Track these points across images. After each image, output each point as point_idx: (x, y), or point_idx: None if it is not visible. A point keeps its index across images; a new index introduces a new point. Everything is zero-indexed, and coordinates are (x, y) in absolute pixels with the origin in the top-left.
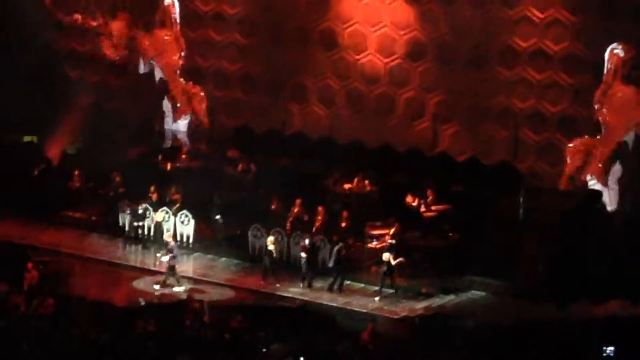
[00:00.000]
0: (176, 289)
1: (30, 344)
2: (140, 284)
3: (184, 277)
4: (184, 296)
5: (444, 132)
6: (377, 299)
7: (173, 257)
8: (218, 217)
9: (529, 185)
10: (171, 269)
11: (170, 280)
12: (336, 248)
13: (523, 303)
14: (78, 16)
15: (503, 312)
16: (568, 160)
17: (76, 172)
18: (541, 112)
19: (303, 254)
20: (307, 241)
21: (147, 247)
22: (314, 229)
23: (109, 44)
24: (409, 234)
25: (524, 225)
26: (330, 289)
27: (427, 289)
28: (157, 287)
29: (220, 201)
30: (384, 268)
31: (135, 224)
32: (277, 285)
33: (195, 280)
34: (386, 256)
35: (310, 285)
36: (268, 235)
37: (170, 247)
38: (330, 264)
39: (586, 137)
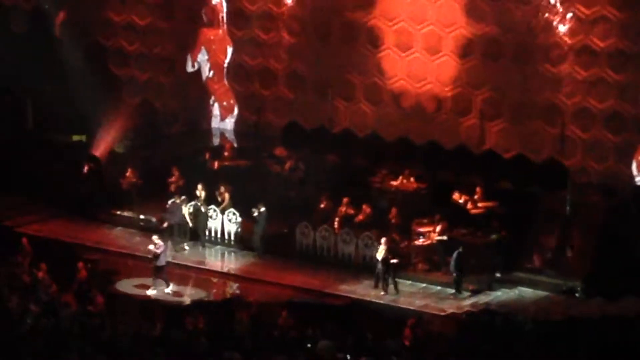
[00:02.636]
0: (167, 290)
1: (81, 342)
2: (121, 285)
3: (231, 274)
4: (170, 298)
5: (491, 129)
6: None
7: (158, 258)
8: (255, 213)
9: (576, 181)
10: (157, 269)
11: (157, 282)
12: (456, 252)
13: (571, 299)
14: None
15: (551, 308)
16: None
17: (129, 171)
18: (588, 109)
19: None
20: (383, 243)
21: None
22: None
23: None
24: (456, 231)
25: (572, 222)
26: (457, 292)
27: (474, 286)
28: (150, 292)
29: (263, 209)
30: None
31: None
32: (382, 293)
33: (242, 279)
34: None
35: (396, 289)
36: (318, 231)
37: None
38: (451, 269)
39: None
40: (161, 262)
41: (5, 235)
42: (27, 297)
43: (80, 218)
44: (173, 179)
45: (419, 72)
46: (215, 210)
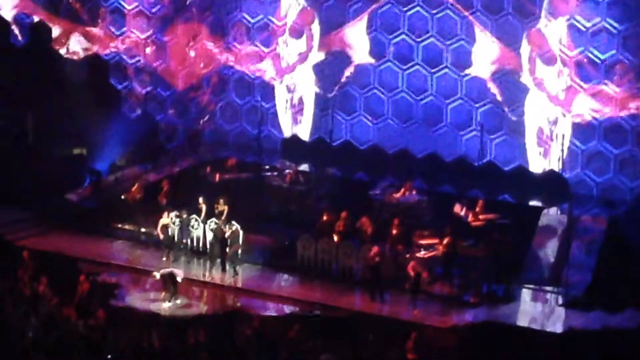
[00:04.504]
0: (165, 305)
1: (81, 355)
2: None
3: (231, 287)
4: (175, 312)
5: (492, 141)
6: None
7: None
8: (228, 233)
9: (576, 193)
10: (173, 283)
11: (170, 296)
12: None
13: (573, 311)
14: None
15: (552, 321)
16: None
17: (135, 185)
18: (588, 121)
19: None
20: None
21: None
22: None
23: None
24: (457, 243)
25: (572, 234)
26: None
27: (475, 298)
28: (162, 305)
29: (235, 227)
30: None
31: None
32: (415, 312)
33: (243, 292)
34: None
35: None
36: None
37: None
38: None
39: None
40: (180, 276)
41: (6, 249)
42: (28, 310)
43: (81, 231)
44: (163, 191)
45: (420, 85)
46: (216, 223)
